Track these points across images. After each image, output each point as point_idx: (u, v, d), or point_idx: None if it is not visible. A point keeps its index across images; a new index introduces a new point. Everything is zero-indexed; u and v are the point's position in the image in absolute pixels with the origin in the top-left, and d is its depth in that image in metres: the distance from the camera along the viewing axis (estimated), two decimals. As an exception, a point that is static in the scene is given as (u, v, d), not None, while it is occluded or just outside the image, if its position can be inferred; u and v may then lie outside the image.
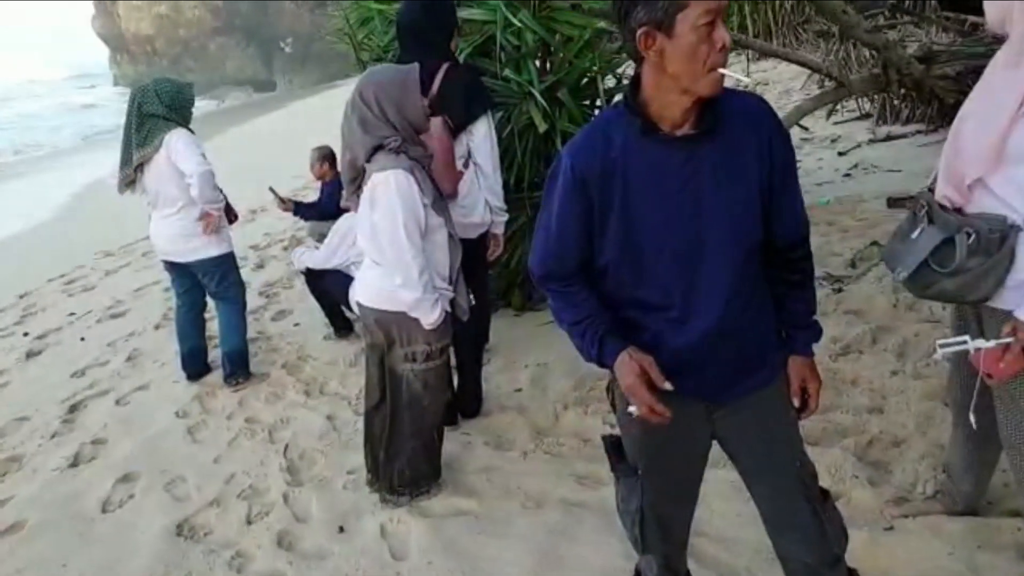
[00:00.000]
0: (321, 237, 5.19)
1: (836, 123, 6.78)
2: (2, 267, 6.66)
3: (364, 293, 2.36)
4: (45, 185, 11.42)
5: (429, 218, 2.20)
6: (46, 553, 2.41)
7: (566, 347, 3.54)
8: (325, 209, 5.26)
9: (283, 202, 5.28)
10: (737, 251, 1.26)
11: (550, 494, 2.42)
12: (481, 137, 2.62)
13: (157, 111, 3.22)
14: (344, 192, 2.44)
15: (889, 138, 6.02)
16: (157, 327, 4.51)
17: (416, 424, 2.40)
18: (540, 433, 2.82)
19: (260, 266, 5.65)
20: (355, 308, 3.93)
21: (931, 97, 4.42)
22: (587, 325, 1.36)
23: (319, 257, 3.91)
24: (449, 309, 2.33)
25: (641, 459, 1.46)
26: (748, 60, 10.57)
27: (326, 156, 5.26)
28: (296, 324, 4.32)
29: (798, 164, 1.66)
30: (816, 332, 1.44)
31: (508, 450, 2.75)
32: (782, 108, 6.88)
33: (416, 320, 2.23)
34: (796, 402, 1.42)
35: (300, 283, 5.09)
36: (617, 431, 1.57)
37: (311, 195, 6.62)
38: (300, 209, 5.34)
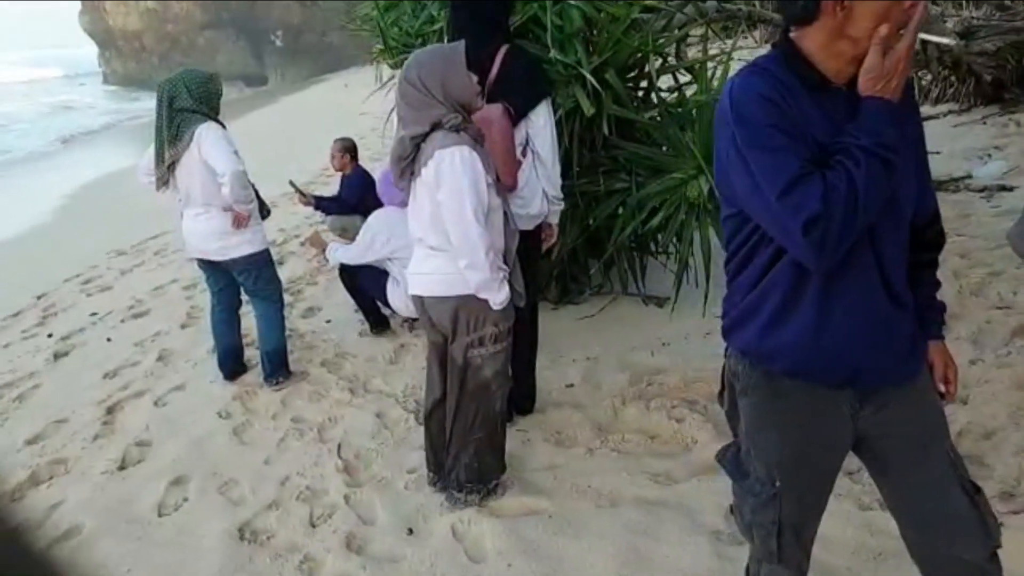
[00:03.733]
0: (343, 231, 5.13)
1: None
2: (12, 268, 6.53)
3: (424, 284, 2.30)
4: (31, 189, 11.24)
5: (490, 198, 2.14)
6: (107, 559, 2.34)
7: (613, 341, 3.56)
8: (346, 202, 5.19)
9: (303, 196, 5.20)
10: (906, 222, 1.22)
11: (624, 492, 2.37)
12: (541, 124, 2.55)
13: (187, 104, 3.12)
14: (391, 177, 2.37)
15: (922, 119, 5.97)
16: (183, 326, 4.42)
17: (483, 413, 2.35)
18: (602, 430, 2.76)
19: (280, 263, 5.54)
20: (394, 305, 3.90)
21: (967, 75, 4.38)
22: None
23: (354, 253, 3.83)
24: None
25: (779, 469, 1.38)
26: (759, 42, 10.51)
27: (348, 148, 5.18)
28: (328, 321, 4.24)
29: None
30: (943, 316, 1.40)
31: (570, 447, 2.70)
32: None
33: (483, 302, 2.18)
34: (942, 388, 1.37)
35: (324, 279, 5.03)
36: (726, 442, 1.50)
37: (320, 189, 6.53)
38: (321, 203, 5.26)
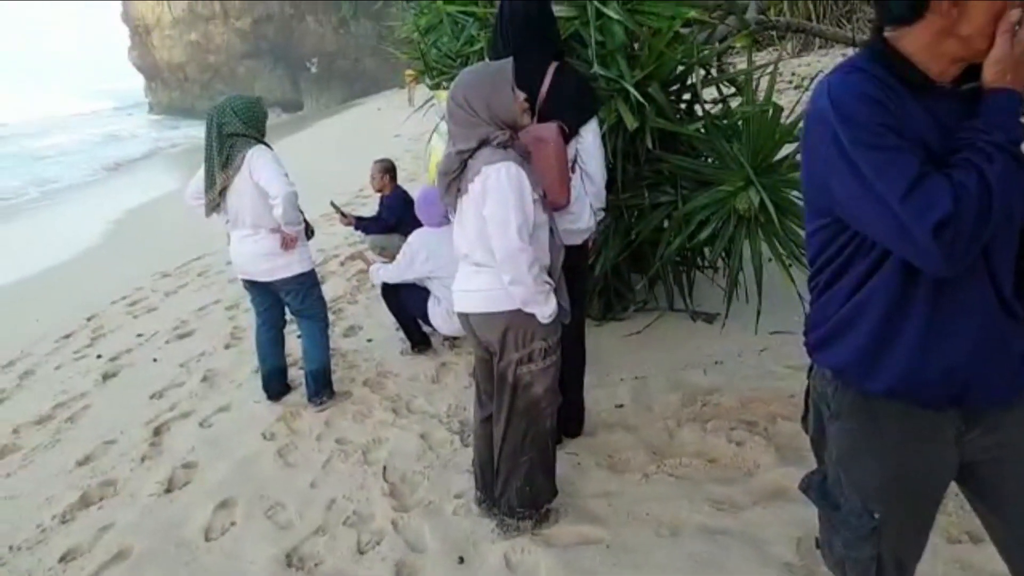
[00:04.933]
0: (382, 250, 5.14)
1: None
2: (63, 291, 6.69)
3: (470, 301, 2.25)
4: (79, 215, 11.57)
5: (536, 214, 2.09)
6: (156, 584, 2.31)
7: (662, 359, 3.46)
8: (385, 222, 5.21)
9: (344, 216, 5.24)
10: (1016, 227, 1.13)
11: (685, 520, 2.26)
12: (591, 140, 2.49)
13: (237, 129, 3.14)
14: (438, 194, 2.34)
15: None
16: (227, 347, 4.44)
17: (533, 432, 2.27)
18: (656, 453, 2.66)
19: (320, 282, 5.56)
20: (434, 323, 3.87)
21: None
22: None
23: (395, 271, 3.81)
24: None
25: (877, 500, 1.27)
26: (790, 54, 10.38)
27: (387, 169, 5.22)
28: (369, 340, 4.22)
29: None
30: None
31: (624, 471, 2.60)
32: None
33: (531, 317, 2.13)
34: None
35: (364, 298, 5.03)
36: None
37: (357, 209, 6.57)
38: (361, 223, 5.29)
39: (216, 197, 3.16)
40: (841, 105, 1.10)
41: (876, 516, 1.26)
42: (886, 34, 1.13)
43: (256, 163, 3.09)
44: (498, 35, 2.45)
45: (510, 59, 2.12)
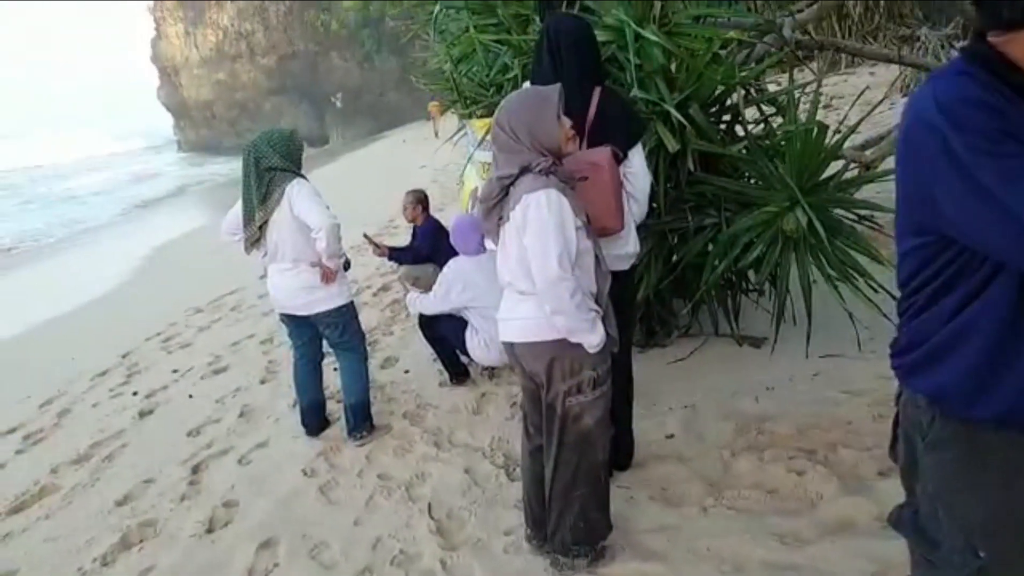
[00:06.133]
0: (415, 280, 5.10)
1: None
2: (97, 328, 6.76)
3: (514, 330, 2.18)
4: (110, 253, 11.79)
5: (579, 241, 2.03)
6: (200, 631, 2.24)
7: (711, 386, 3.35)
8: (419, 252, 5.18)
9: (378, 247, 5.22)
10: None
11: (749, 556, 2.14)
12: (638, 164, 2.44)
13: (274, 163, 3.13)
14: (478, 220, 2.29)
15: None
16: (262, 381, 4.42)
17: (585, 465, 2.18)
18: (713, 485, 2.55)
19: (354, 314, 5.55)
20: (472, 354, 3.80)
21: None
22: None
23: (431, 302, 3.76)
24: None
25: (983, 538, 1.16)
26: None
27: (420, 200, 5.21)
28: (406, 371, 4.16)
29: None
30: None
31: (680, 505, 2.49)
32: (873, 120, 6.56)
33: (577, 346, 2.05)
34: None
35: (399, 328, 4.99)
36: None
37: (387, 240, 6.57)
38: (394, 254, 5.27)
39: (256, 232, 3.14)
40: (952, 111, 1.02)
41: (982, 555, 1.16)
42: (991, 39, 1.06)
43: (296, 197, 3.07)
44: (543, 58, 2.40)
45: (558, 85, 2.07)
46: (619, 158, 2.29)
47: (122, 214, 17.69)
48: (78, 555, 2.81)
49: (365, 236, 5.34)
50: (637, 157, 2.42)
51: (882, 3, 8.77)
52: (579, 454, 2.17)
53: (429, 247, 5.06)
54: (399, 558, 2.46)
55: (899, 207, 1.19)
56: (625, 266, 2.54)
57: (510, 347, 2.23)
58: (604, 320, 2.12)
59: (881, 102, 5.65)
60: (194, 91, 36.76)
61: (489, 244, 2.60)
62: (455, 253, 3.96)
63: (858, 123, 3.37)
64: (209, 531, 2.83)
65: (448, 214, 6.98)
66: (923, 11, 9.47)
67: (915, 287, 1.19)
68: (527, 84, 2.63)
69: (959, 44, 8.30)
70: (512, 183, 2.06)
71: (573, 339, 2.04)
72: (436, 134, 21.50)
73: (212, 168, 27.83)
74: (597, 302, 2.12)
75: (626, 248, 2.49)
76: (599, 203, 2.18)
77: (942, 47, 7.76)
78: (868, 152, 3.81)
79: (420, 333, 3.98)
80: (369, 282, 6.34)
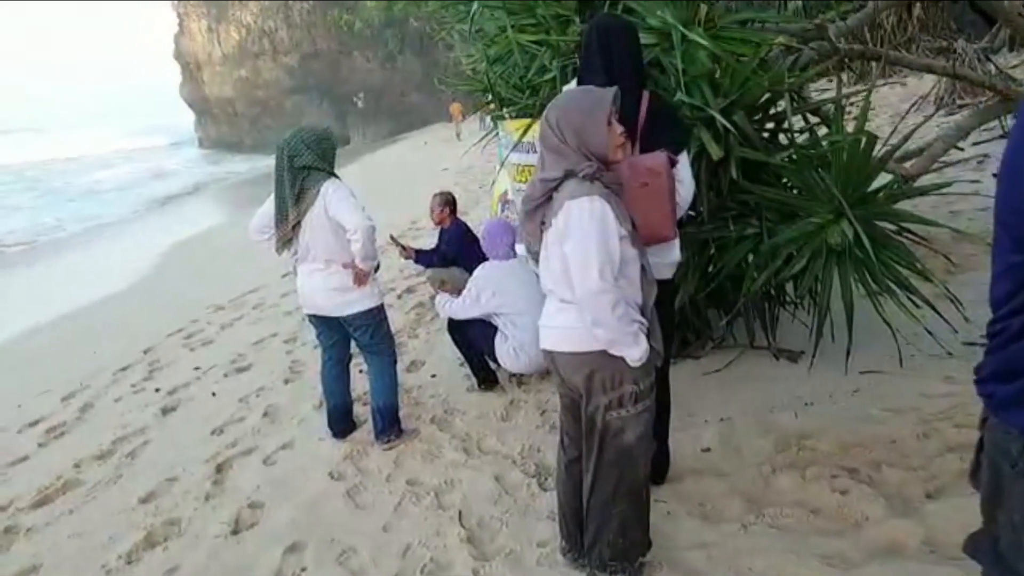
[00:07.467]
0: (441, 283, 5.04)
1: (976, 143, 6.28)
2: (118, 322, 6.77)
3: (554, 338, 2.11)
4: (129, 248, 11.86)
5: (624, 250, 1.95)
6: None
7: (748, 399, 3.26)
8: (445, 255, 5.13)
9: (404, 250, 5.18)
10: None
11: (795, 577, 2.06)
12: (684, 172, 2.37)
13: (308, 162, 3.06)
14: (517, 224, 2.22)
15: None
16: (286, 381, 4.38)
17: (626, 482, 2.10)
18: (752, 502, 2.47)
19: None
20: (501, 360, 3.74)
21: None
22: None
23: (461, 306, 3.71)
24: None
25: None
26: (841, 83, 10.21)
27: (447, 202, 5.16)
28: (433, 375, 4.11)
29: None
30: None
31: (719, 521, 2.41)
32: (904, 133, 6.43)
33: (619, 359, 1.97)
34: None
35: (425, 331, 4.94)
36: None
37: (411, 242, 6.53)
38: (421, 256, 5.22)
39: (289, 232, 3.09)
40: None
41: None
42: None
43: (332, 197, 3.02)
44: (593, 58, 2.33)
45: (615, 88, 2.00)
46: (674, 164, 2.23)
47: (141, 209, 17.82)
48: (102, 552, 2.77)
49: (391, 238, 5.30)
50: (684, 164, 2.35)
51: (916, 14, 8.65)
52: (619, 470, 2.10)
53: (455, 250, 5.01)
54: (429, 566, 2.40)
55: (1000, 219, 1.12)
56: (669, 275, 2.47)
57: (549, 355, 2.17)
58: (648, 333, 2.05)
59: (933, 115, 5.51)
60: (216, 88, 37.06)
61: (520, 249, 2.53)
62: (481, 256, 3.90)
63: (910, 134, 3.29)
64: (234, 532, 2.78)
65: (471, 218, 6.94)
66: (957, 24, 9.33)
67: (1012, 309, 1.12)
68: (573, 83, 2.57)
69: (995, 56, 8.16)
70: (556, 187, 1.99)
71: (614, 351, 1.98)
72: (458, 136, 21.46)
73: (231, 166, 28.02)
74: (643, 314, 2.05)
75: (672, 256, 2.42)
76: (657, 211, 2.11)
77: (978, 59, 7.61)
78: (909, 164, 3.71)
79: (447, 337, 3.93)
80: (394, 284, 6.29)
